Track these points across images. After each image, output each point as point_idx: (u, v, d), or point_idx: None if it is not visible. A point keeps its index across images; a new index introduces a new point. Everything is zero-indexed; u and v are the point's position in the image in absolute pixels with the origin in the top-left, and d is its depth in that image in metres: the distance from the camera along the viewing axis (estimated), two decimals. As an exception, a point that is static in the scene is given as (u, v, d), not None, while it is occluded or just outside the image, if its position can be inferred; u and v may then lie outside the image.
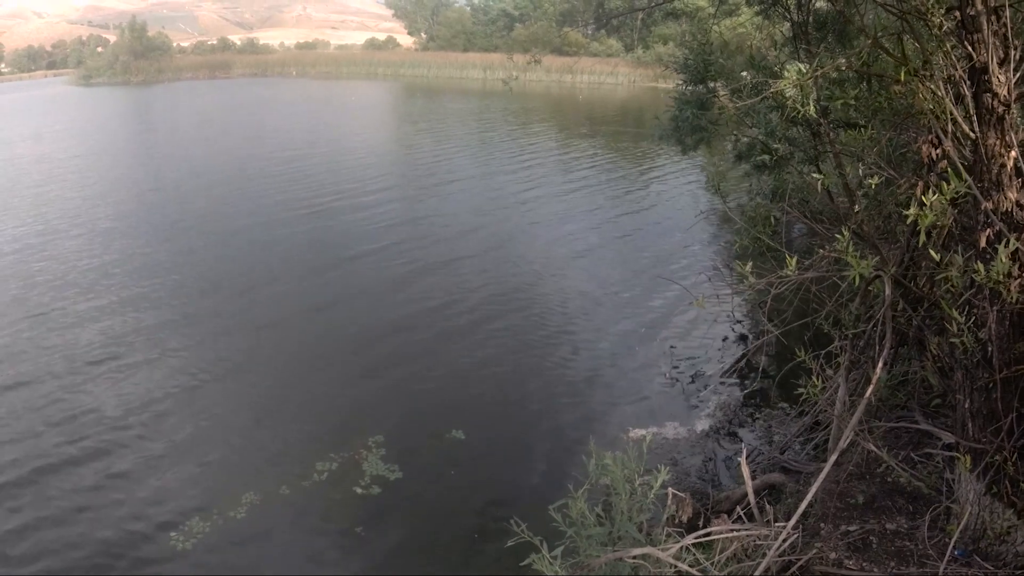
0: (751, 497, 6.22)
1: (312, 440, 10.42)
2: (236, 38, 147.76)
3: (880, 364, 5.27)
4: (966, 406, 4.98)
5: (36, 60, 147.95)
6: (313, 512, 8.95)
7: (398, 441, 10.26)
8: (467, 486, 9.45)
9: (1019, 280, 4.33)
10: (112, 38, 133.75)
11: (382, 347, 13.43)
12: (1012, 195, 4.64)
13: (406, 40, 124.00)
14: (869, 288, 6.29)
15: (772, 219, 12.06)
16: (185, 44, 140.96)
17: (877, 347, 5.58)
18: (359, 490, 9.23)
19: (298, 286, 16.26)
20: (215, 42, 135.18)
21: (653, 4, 9.72)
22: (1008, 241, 4.21)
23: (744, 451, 7.46)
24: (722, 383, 12.18)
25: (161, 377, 12.27)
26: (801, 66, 5.04)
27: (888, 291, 5.65)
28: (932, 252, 4.62)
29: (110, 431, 10.65)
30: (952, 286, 4.60)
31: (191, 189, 25.62)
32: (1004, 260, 4.11)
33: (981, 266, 4.17)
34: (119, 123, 53.20)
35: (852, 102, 6.05)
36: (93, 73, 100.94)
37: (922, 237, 4.45)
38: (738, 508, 6.60)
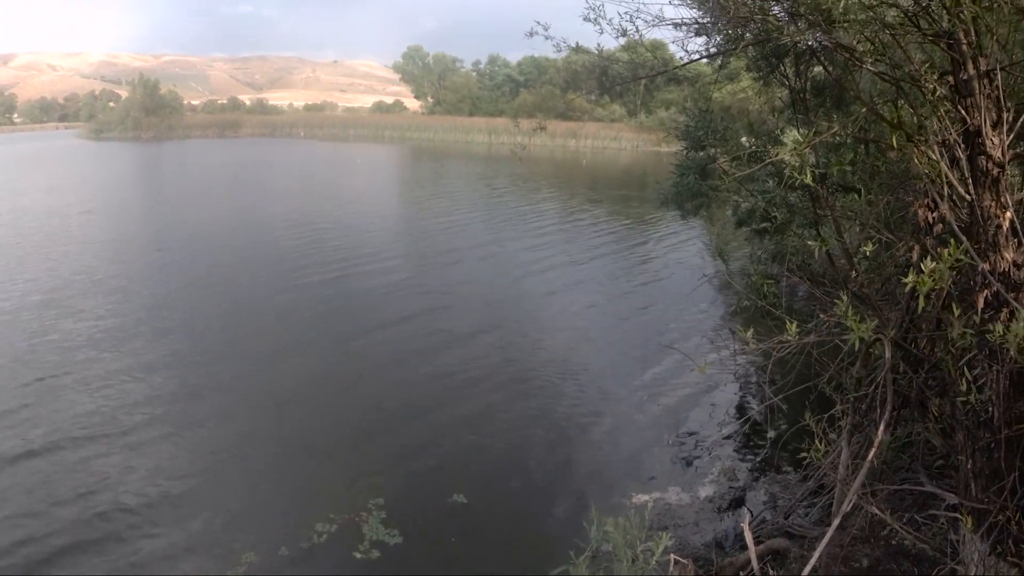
0: (754, 563, 6.12)
1: (313, 502, 10.26)
2: (246, 98, 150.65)
3: (882, 427, 5.24)
4: (968, 466, 4.94)
5: (49, 112, 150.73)
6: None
7: (399, 505, 10.12)
8: (469, 552, 9.29)
9: (1018, 339, 4.34)
10: (124, 94, 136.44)
11: (385, 410, 13.35)
12: (1009, 255, 4.68)
13: (413, 103, 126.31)
14: (870, 351, 6.28)
15: (773, 283, 12.11)
16: (196, 102, 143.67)
17: (879, 410, 5.55)
18: (358, 555, 9.06)
19: (303, 350, 16.18)
20: (225, 101, 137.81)
21: (655, 72, 9.93)
22: (999, 307, 4.24)
23: (748, 516, 7.36)
24: (726, 448, 12.07)
25: (166, 440, 12.15)
26: (798, 133, 5.12)
27: (888, 354, 5.64)
28: (932, 315, 4.64)
29: (114, 494, 10.52)
30: (952, 348, 4.60)
31: (202, 251, 25.56)
32: (1000, 324, 4.12)
33: (1000, 327, 4.16)
34: (130, 179, 53.99)
35: (848, 167, 6.13)
36: (104, 128, 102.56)
37: (921, 303, 4.47)
38: (741, 574, 6.48)
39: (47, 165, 61.54)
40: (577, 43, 7.60)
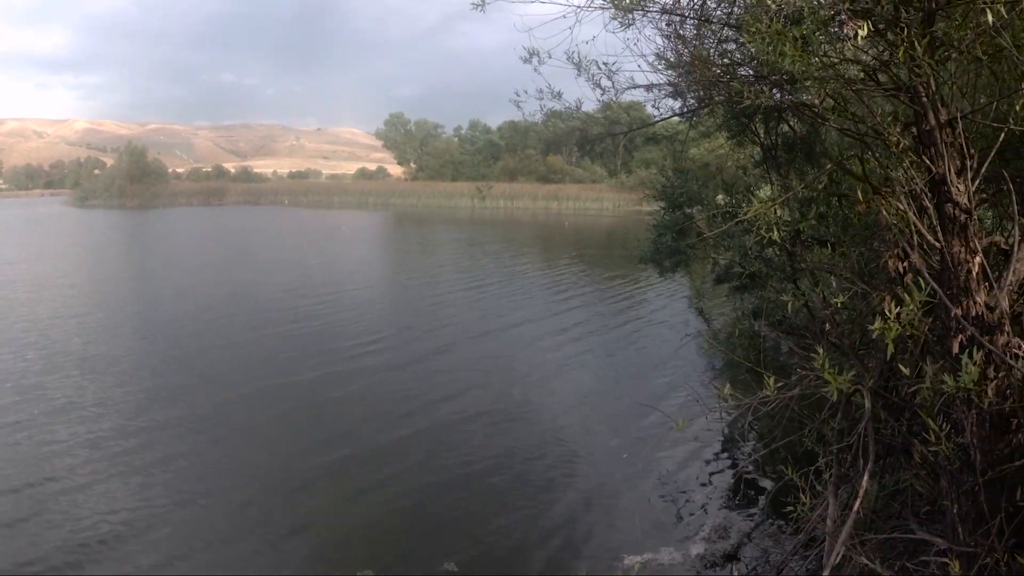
0: (746, 621, 6.03)
1: (301, 570, 10.09)
2: (231, 166, 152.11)
3: (866, 476, 5.24)
4: (954, 511, 4.94)
5: (34, 179, 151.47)
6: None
7: (385, 570, 9.93)
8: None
9: (995, 381, 4.39)
10: (109, 161, 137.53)
11: (372, 474, 13.18)
12: (981, 298, 4.77)
13: (396, 170, 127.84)
14: (851, 401, 6.31)
15: (755, 339, 12.19)
16: (180, 170, 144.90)
17: (863, 460, 5.55)
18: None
19: (292, 417, 16.06)
20: (210, 169, 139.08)
21: (632, 129, 10.16)
22: (972, 350, 4.29)
23: (741, 571, 7.26)
24: (715, 504, 11.97)
25: (155, 502, 11.96)
26: (769, 190, 5.26)
27: (869, 404, 5.67)
28: (901, 366, 4.71)
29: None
30: (927, 395, 4.64)
31: (189, 328, 24.62)
32: (972, 368, 4.17)
33: (950, 377, 4.23)
34: (116, 248, 54.34)
35: (814, 222, 6.26)
36: (89, 195, 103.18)
37: (890, 349, 4.53)
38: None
39: (35, 234, 61.72)
40: (559, 92, 7.75)
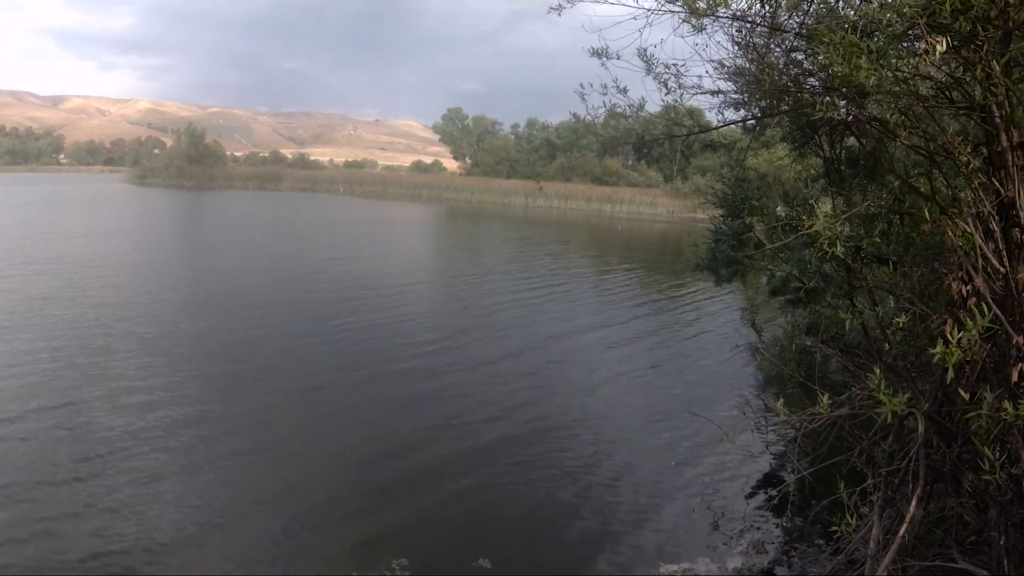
0: (781, 638, 5.96)
1: (336, 559, 10.22)
2: (288, 152, 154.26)
3: (914, 502, 5.14)
4: (1001, 542, 4.82)
5: (95, 155, 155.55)
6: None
7: (423, 566, 9.99)
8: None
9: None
10: (169, 141, 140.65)
11: (411, 467, 13.30)
12: (1044, 328, 4.64)
13: (451, 164, 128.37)
14: (903, 424, 6.19)
15: (807, 354, 12.02)
16: (238, 154, 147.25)
17: (911, 484, 5.44)
18: (381, 616, 8.99)
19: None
20: (267, 154, 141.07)
21: (693, 132, 10.07)
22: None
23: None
24: (755, 519, 11.82)
25: (194, 487, 12.22)
26: (832, 205, 5.17)
27: (922, 428, 5.56)
28: (961, 391, 4.60)
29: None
30: (983, 423, 4.53)
31: (252, 315, 24.65)
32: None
33: (1009, 405, 4.12)
34: (178, 227, 55.44)
35: (877, 239, 6.14)
36: (148, 174, 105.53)
37: (950, 374, 4.43)
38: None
39: (100, 209, 63.61)
40: (624, 87, 7.72)
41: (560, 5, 6.76)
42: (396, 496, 12.15)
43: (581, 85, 7.73)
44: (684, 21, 6.39)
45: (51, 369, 17.29)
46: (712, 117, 7.99)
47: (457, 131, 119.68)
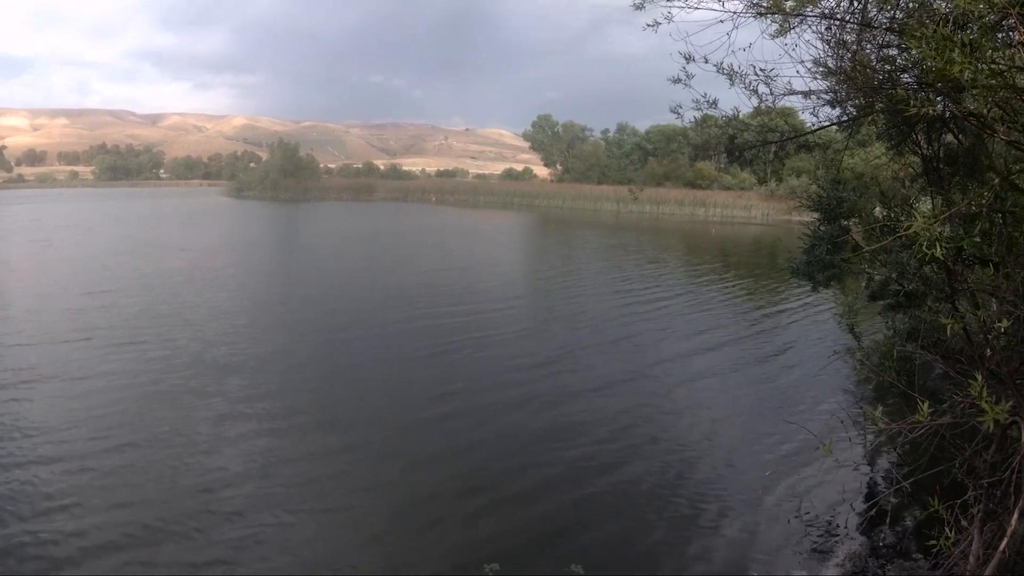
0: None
1: (429, 562, 10.42)
2: (380, 163, 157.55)
3: (1016, 515, 4.89)
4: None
5: (193, 170, 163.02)
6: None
7: (515, 570, 10.08)
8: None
9: None
10: (264, 155, 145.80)
11: (506, 471, 13.45)
12: None
13: (542, 171, 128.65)
14: (1007, 433, 5.90)
15: (907, 361, 11.56)
16: (332, 166, 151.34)
17: (1013, 497, 5.18)
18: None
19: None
20: (360, 166, 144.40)
21: (786, 137, 9.84)
22: None
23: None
24: (851, 531, 11.46)
25: (287, 494, 12.62)
26: (931, 205, 4.99)
27: (1026, 437, 5.30)
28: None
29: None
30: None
31: (363, 327, 24.82)
32: None
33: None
34: (274, 239, 57.40)
35: (978, 239, 5.87)
36: (244, 187, 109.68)
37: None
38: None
39: (205, 224, 66.30)
40: (715, 100, 7.66)
41: (643, 4, 6.72)
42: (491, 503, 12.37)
43: (673, 104, 7.72)
44: (773, 22, 6.28)
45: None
46: (806, 118, 7.81)
47: (547, 138, 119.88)
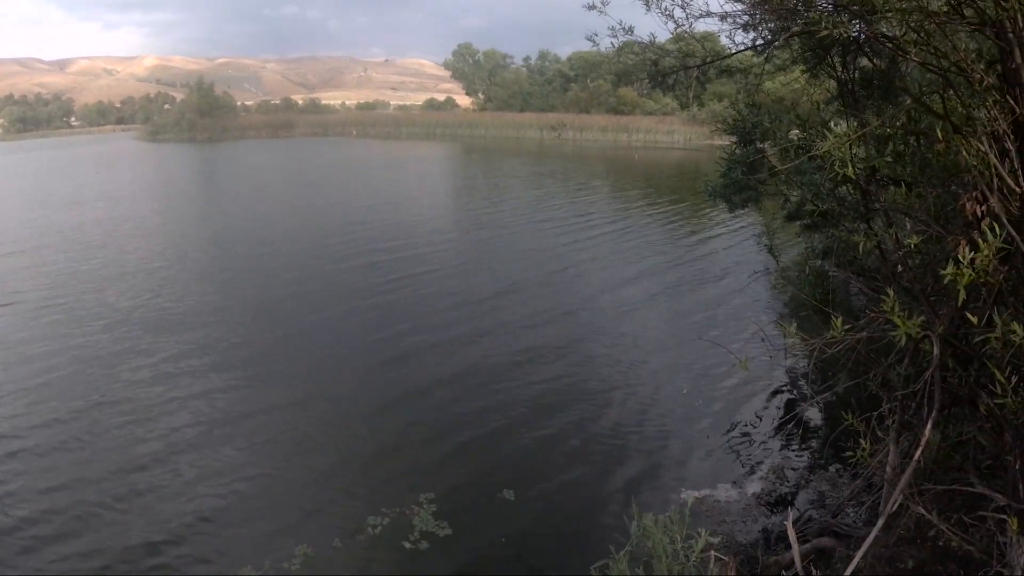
0: (798, 562, 6.03)
1: (366, 496, 10.54)
2: (299, 98, 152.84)
3: (929, 425, 5.11)
4: (1017, 467, 4.80)
5: (105, 115, 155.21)
6: (362, 565, 9.11)
7: (449, 499, 10.30)
8: (513, 545, 9.42)
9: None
10: (179, 96, 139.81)
11: (437, 405, 13.56)
12: (1060, 249, 4.54)
13: (464, 100, 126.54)
14: (919, 347, 6.13)
15: (824, 279, 11.89)
16: (249, 103, 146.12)
17: (927, 408, 5.41)
18: (408, 545, 9.32)
19: (364, 352, 16.42)
20: (278, 102, 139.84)
21: (705, 62, 9.81)
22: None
23: (792, 515, 7.24)
24: (775, 445, 11.93)
25: (218, 434, 12.54)
26: (845, 126, 5.04)
27: (937, 351, 5.49)
28: (968, 314, 4.53)
29: (166, 485, 10.88)
30: (996, 346, 4.46)
31: (274, 265, 24.74)
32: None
33: (1019, 327, 4.05)
34: (195, 182, 55.30)
35: (890, 160, 6.00)
36: (160, 130, 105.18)
37: (961, 295, 4.36)
38: (785, 573, 6.40)
39: (117, 168, 63.75)
40: (630, 27, 7.57)
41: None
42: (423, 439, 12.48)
43: (589, 32, 7.59)
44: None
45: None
46: (726, 41, 7.77)
47: (468, 67, 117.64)
